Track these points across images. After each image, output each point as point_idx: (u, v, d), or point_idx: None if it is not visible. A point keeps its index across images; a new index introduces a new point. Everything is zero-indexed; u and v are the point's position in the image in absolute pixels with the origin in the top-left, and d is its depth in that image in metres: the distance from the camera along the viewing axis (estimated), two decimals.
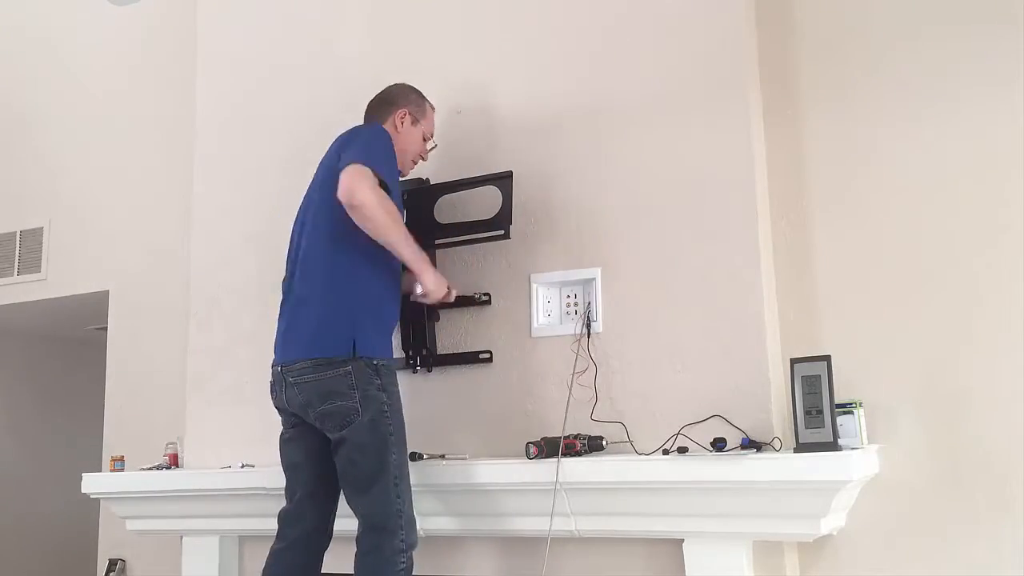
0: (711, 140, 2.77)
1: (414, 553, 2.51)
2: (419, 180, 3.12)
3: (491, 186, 2.99)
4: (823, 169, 2.84)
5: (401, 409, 2.60)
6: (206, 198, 3.67)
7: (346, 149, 2.57)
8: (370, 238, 2.52)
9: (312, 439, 2.62)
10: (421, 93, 2.92)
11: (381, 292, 2.64)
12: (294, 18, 3.60)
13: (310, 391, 2.53)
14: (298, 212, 2.80)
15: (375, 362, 2.54)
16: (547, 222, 2.97)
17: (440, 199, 3.08)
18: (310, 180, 2.79)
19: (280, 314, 2.71)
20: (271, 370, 2.69)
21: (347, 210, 2.47)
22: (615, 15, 2.98)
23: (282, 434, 2.72)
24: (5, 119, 4.86)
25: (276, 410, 2.71)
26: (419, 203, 3.08)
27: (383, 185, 2.52)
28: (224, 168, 3.66)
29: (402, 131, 2.81)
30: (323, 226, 2.62)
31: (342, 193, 2.46)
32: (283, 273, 2.77)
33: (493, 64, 3.16)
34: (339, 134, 2.75)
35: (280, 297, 2.74)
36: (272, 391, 2.69)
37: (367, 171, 2.48)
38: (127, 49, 4.51)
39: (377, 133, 2.71)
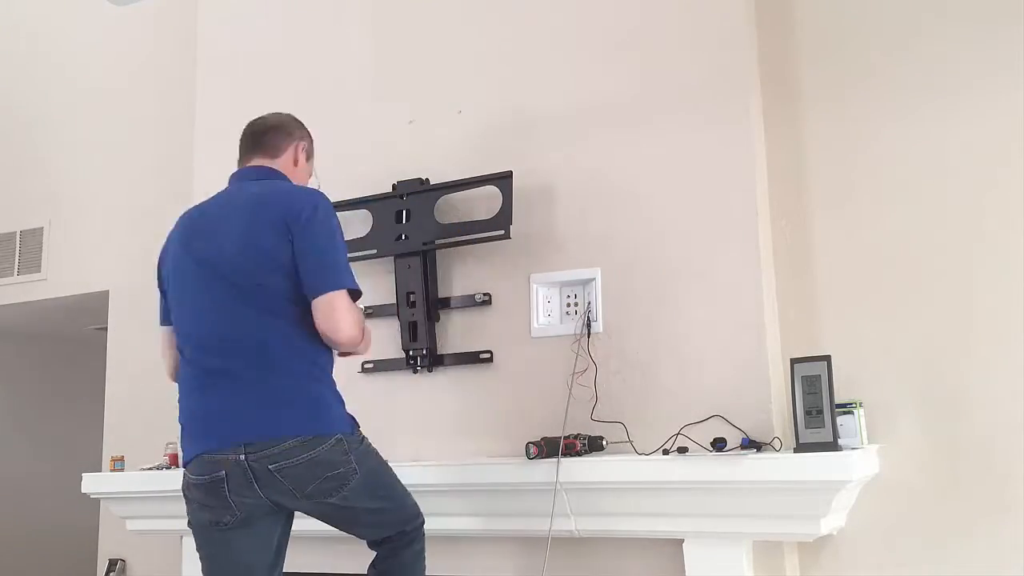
0: (711, 140, 2.78)
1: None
2: (419, 180, 3.12)
3: (491, 186, 2.99)
4: (823, 169, 2.84)
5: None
6: (206, 198, 3.66)
7: (304, 250, 2.22)
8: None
9: (272, 529, 2.32)
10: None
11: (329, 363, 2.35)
12: (294, 18, 3.61)
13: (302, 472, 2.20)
14: (186, 285, 2.33)
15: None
16: (547, 222, 2.97)
17: (440, 199, 3.08)
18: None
19: (203, 395, 2.29)
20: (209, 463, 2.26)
21: (328, 340, 2.24)
22: (615, 15, 2.98)
23: (215, 524, 2.30)
24: (5, 119, 4.86)
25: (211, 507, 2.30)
26: (419, 203, 3.09)
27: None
28: (224, 168, 3.65)
29: (300, 166, 2.50)
30: (274, 312, 2.24)
31: (330, 332, 2.20)
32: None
33: (493, 64, 3.16)
34: (244, 191, 2.39)
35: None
36: (227, 485, 2.23)
37: (351, 306, 2.24)
38: (127, 49, 4.51)
39: (328, 218, 2.29)
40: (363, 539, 2.43)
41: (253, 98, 3.62)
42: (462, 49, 3.23)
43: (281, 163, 2.46)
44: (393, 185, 3.16)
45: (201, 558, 2.36)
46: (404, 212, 3.10)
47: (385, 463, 2.40)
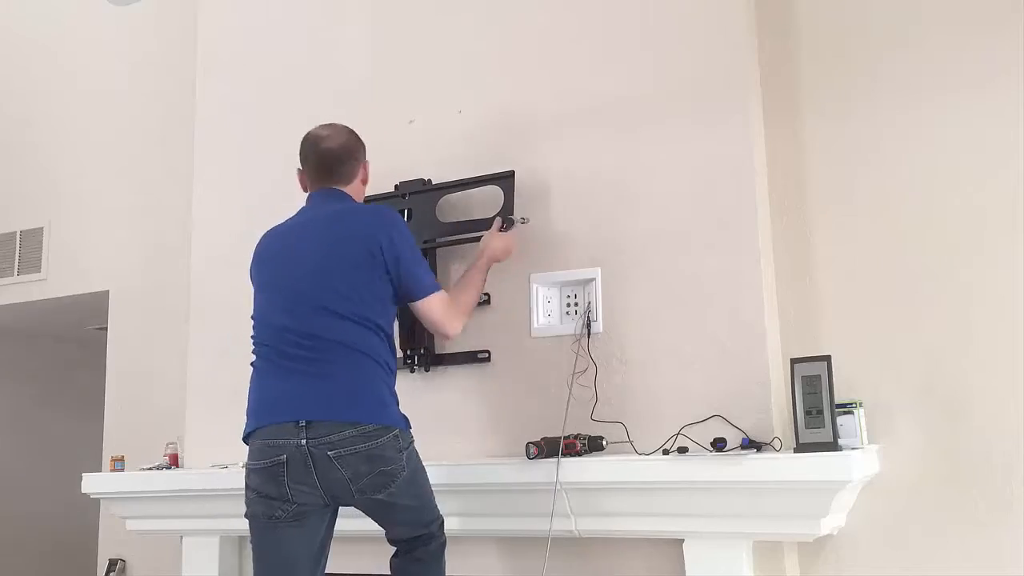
0: (711, 140, 2.77)
1: None
2: (420, 180, 3.12)
3: (493, 186, 2.99)
4: (823, 169, 2.84)
5: None
6: (206, 198, 3.66)
7: (399, 261, 2.44)
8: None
9: (319, 526, 2.42)
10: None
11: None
12: (294, 18, 3.61)
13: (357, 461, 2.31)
14: (277, 283, 2.50)
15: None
16: (547, 222, 2.97)
17: (441, 199, 3.08)
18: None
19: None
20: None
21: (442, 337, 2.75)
22: (616, 15, 2.98)
23: (269, 517, 2.38)
24: (5, 119, 4.86)
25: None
26: (420, 203, 3.09)
27: None
28: (224, 168, 3.66)
29: (366, 183, 2.69)
30: (356, 313, 2.40)
31: (441, 332, 2.61)
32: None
33: (494, 64, 3.16)
34: (332, 205, 2.53)
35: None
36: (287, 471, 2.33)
37: (445, 301, 2.54)
38: (127, 49, 4.51)
39: (405, 232, 2.53)
40: (392, 535, 2.51)
41: (253, 98, 3.63)
42: (462, 49, 3.23)
43: (351, 188, 2.61)
44: (395, 185, 3.16)
45: (253, 549, 2.45)
46: (406, 212, 3.10)
47: (422, 464, 2.51)
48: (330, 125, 2.63)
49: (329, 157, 2.58)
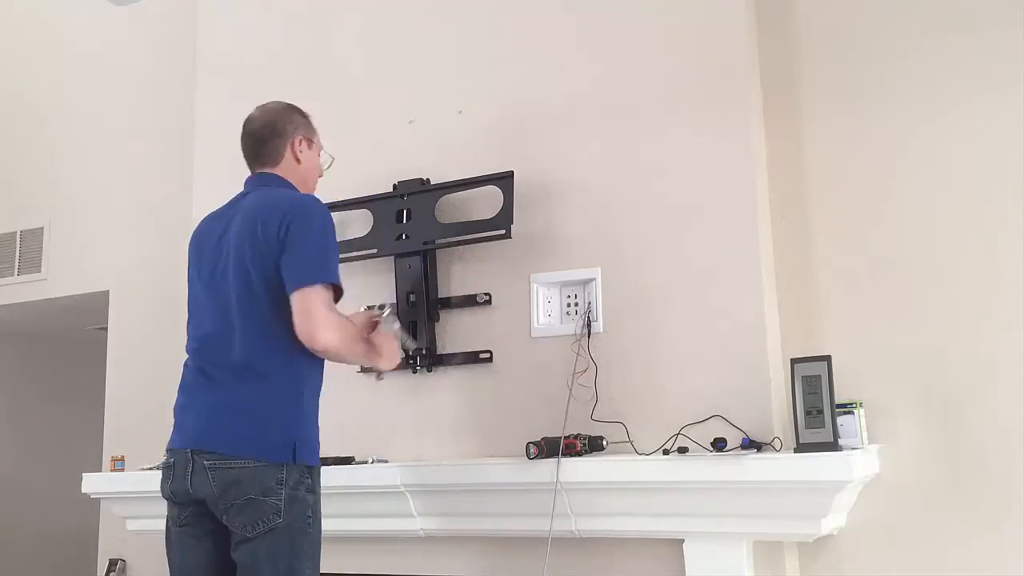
0: (711, 140, 2.78)
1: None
2: (420, 180, 3.12)
3: (491, 186, 2.99)
4: (823, 169, 2.84)
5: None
6: (206, 198, 3.65)
7: (290, 249, 2.15)
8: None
9: (210, 539, 2.19)
10: (299, 108, 2.47)
11: (316, 390, 2.28)
12: (293, 18, 3.61)
13: (227, 479, 2.10)
14: (205, 274, 2.38)
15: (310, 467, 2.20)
16: (547, 222, 2.97)
17: (441, 199, 3.08)
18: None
19: (193, 392, 2.30)
20: (168, 452, 2.26)
21: (307, 346, 2.13)
22: (616, 15, 2.98)
23: (170, 527, 2.25)
24: (5, 119, 4.86)
25: (167, 499, 2.26)
26: (420, 203, 3.09)
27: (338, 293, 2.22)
28: (224, 169, 3.65)
29: (303, 162, 2.41)
30: (256, 321, 2.20)
31: (302, 336, 2.10)
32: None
33: (494, 64, 3.16)
34: (251, 194, 2.37)
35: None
36: (169, 476, 2.22)
37: (326, 301, 2.12)
38: (128, 49, 4.51)
39: (323, 221, 2.22)
40: None
41: (253, 98, 3.59)
42: (462, 49, 3.23)
43: (283, 168, 2.40)
44: (394, 185, 3.16)
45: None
46: (405, 212, 3.11)
47: (315, 539, 2.20)
48: (264, 104, 2.46)
49: (251, 138, 2.42)
